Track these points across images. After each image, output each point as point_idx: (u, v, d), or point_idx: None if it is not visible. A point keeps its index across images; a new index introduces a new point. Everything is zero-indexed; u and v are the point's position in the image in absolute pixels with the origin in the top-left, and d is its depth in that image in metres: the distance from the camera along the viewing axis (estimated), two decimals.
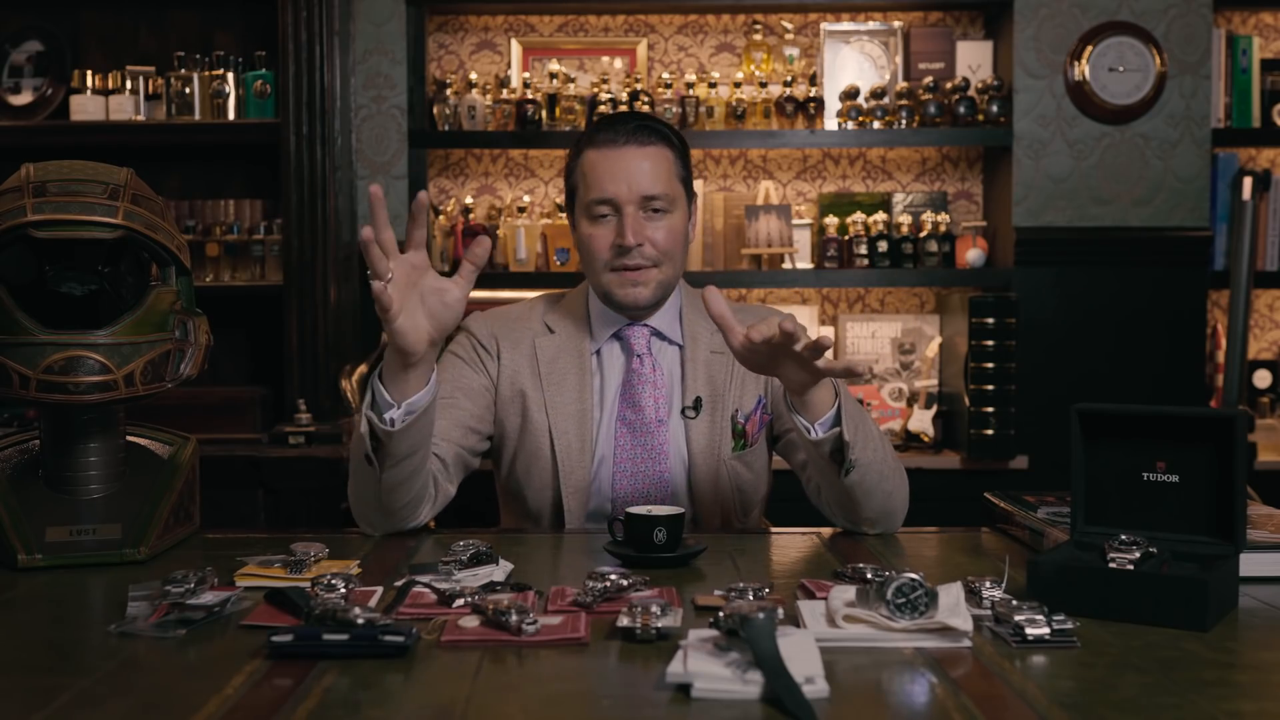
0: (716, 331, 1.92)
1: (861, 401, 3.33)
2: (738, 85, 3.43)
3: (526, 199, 3.48)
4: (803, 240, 3.48)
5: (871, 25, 3.52)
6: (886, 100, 3.39)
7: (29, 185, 1.47)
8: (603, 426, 1.87)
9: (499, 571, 1.41)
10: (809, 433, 1.61)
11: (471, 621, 1.20)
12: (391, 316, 1.52)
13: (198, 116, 3.31)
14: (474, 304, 3.42)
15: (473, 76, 3.44)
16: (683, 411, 1.88)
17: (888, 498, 1.69)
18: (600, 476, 1.86)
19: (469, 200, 3.51)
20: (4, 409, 3.09)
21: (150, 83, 3.35)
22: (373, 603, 1.30)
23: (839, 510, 1.71)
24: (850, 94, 3.39)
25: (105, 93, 3.33)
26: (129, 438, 1.63)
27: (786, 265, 3.43)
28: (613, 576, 1.30)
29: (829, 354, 1.53)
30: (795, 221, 3.46)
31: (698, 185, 3.49)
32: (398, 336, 1.54)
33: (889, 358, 3.51)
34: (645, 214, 1.83)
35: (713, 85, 3.38)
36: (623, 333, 1.90)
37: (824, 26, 3.50)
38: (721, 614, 1.07)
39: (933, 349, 3.45)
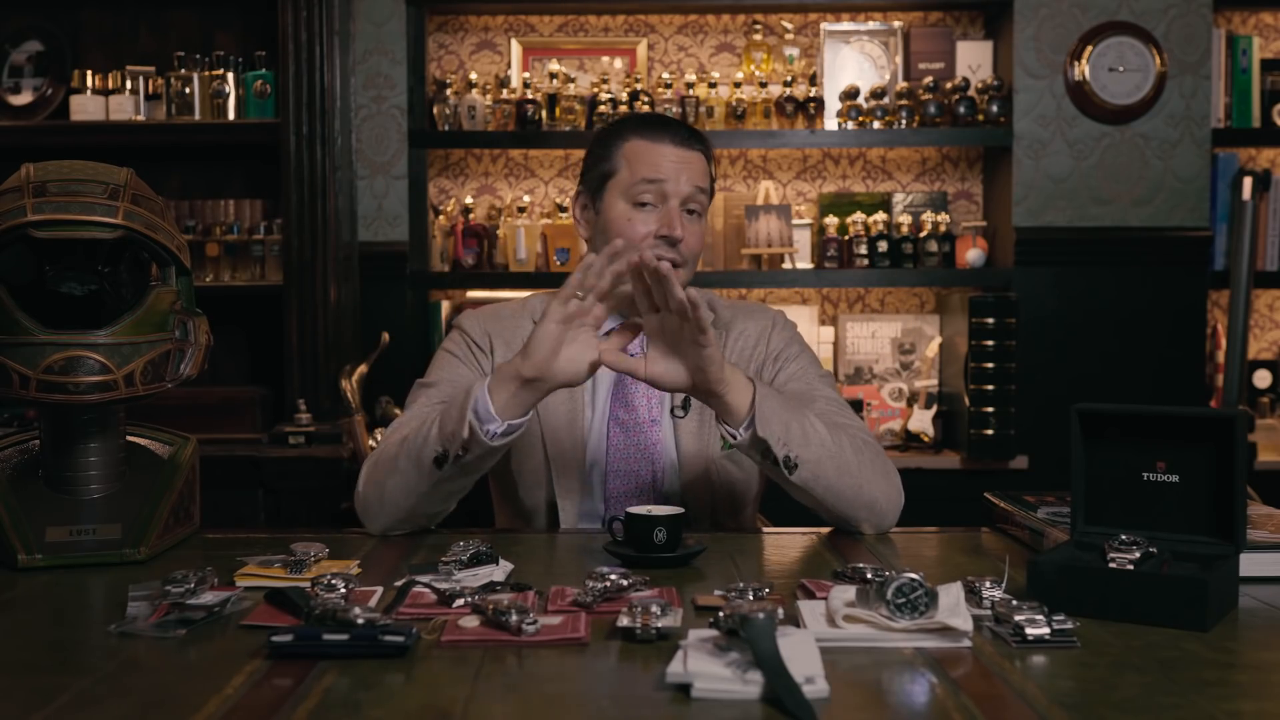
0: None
1: (862, 402, 3.34)
2: (738, 85, 3.43)
3: (526, 199, 3.49)
4: (803, 240, 3.48)
5: (871, 25, 3.52)
6: (886, 100, 3.39)
7: (29, 185, 1.47)
8: (594, 426, 1.87)
9: (499, 571, 1.41)
10: (734, 438, 1.63)
11: (471, 621, 1.20)
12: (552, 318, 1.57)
13: (198, 116, 3.31)
14: (473, 304, 3.42)
15: (473, 76, 3.44)
16: (671, 411, 1.87)
17: (858, 491, 1.67)
18: (592, 477, 1.86)
19: (469, 200, 3.51)
20: (4, 409, 3.09)
21: (150, 83, 3.35)
22: (373, 603, 1.30)
23: (820, 512, 1.71)
24: (850, 94, 3.39)
25: (105, 93, 3.32)
26: (129, 438, 1.63)
27: (786, 265, 3.43)
28: (613, 576, 1.30)
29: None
30: (795, 221, 3.46)
31: None
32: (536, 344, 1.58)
33: (889, 358, 3.51)
34: (682, 212, 1.83)
35: (713, 85, 3.38)
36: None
37: (824, 26, 3.50)
38: (721, 614, 1.07)
39: (933, 349, 3.45)
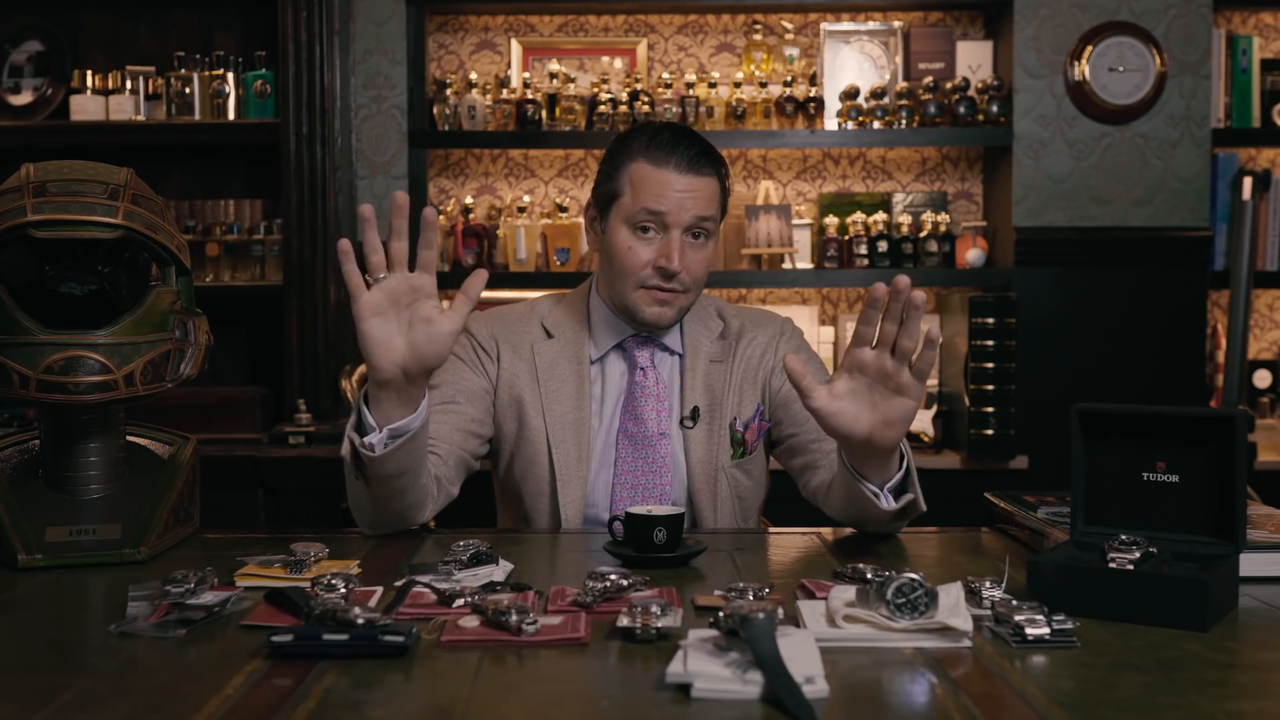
0: (716, 340, 1.92)
1: None
2: (738, 85, 3.43)
3: (526, 199, 3.49)
4: (803, 240, 3.48)
5: (871, 25, 3.52)
6: (886, 100, 3.39)
7: (29, 185, 1.47)
8: (600, 437, 1.86)
9: (499, 571, 1.41)
10: (879, 500, 1.55)
11: (471, 621, 1.20)
12: (363, 315, 1.49)
13: (198, 116, 3.31)
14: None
15: (473, 76, 3.44)
16: (681, 422, 1.87)
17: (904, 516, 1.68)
18: (598, 487, 1.85)
19: (469, 200, 3.51)
20: (4, 409, 3.09)
21: (150, 83, 3.35)
22: (373, 603, 1.30)
23: (851, 521, 1.69)
24: (850, 94, 3.39)
25: (105, 93, 3.33)
26: (129, 438, 1.63)
27: (786, 265, 3.43)
28: (613, 576, 1.30)
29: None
30: (795, 221, 3.46)
31: None
32: (365, 344, 1.50)
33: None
34: (687, 238, 1.81)
35: (713, 85, 3.38)
36: (625, 344, 1.89)
37: (824, 26, 3.50)
38: (721, 614, 1.07)
39: None
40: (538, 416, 1.85)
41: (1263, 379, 3.56)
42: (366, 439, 1.54)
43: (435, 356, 1.51)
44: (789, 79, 3.44)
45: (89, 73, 3.32)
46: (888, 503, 1.56)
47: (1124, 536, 1.31)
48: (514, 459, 1.87)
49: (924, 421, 3.34)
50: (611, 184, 1.84)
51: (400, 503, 1.62)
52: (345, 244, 1.51)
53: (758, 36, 3.51)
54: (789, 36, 3.54)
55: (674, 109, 3.37)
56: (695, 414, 1.86)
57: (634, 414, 1.85)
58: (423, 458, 1.60)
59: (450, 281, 3.45)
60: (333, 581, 1.26)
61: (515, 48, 3.58)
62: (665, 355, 1.91)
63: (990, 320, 3.19)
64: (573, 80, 3.43)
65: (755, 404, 1.88)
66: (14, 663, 1.14)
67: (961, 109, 3.35)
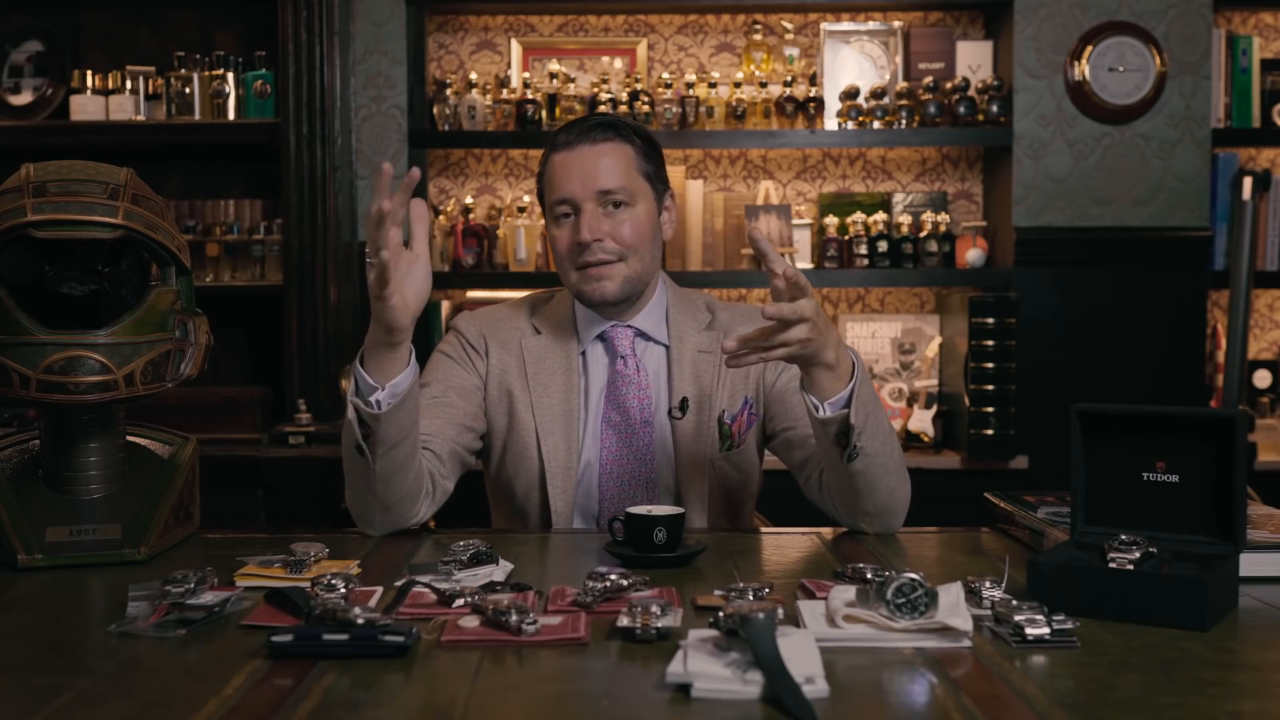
0: (703, 331, 1.93)
1: None
2: (738, 85, 3.43)
3: (526, 199, 3.49)
4: (803, 240, 3.48)
5: (871, 25, 3.52)
6: (886, 100, 3.39)
7: (29, 185, 1.47)
8: (588, 428, 1.87)
9: (499, 571, 1.41)
10: (816, 410, 1.60)
11: (471, 621, 1.20)
12: (388, 294, 1.53)
13: (198, 116, 3.31)
14: (473, 304, 3.42)
15: (473, 76, 3.44)
16: (669, 412, 1.88)
17: (889, 494, 1.68)
18: (587, 478, 1.86)
19: (469, 200, 3.51)
20: (4, 409, 3.09)
21: (150, 83, 3.35)
22: (373, 603, 1.30)
23: (838, 500, 1.71)
24: (850, 94, 3.39)
25: (105, 93, 3.32)
26: (129, 438, 1.63)
27: None
28: (613, 576, 1.30)
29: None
30: (795, 221, 3.46)
31: (697, 185, 3.49)
32: (389, 314, 1.55)
33: (889, 358, 3.51)
34: (605, 209, 1.83)
35: (713, 85, 3.38)
36: (606, 334, 1.90)
37: (824, 26, 3.50)
38: (721, 614, 1.07)
39: (933, 349, 3.45)
40: (527, 410, 1.87)
41: (1263, 379, 3.56)
42: (372, 397, 1.57)
43: (428, 289, 1.61)
44: (789, 79, 3.44)
45: (89, 73, 3.32)
46: (821, 411, 1.60)
47: (1124, 536, 1.31)
48: (505, 454, 1.88)
49: (924, 421, 3.34)
50: (541, 184, 1.92)
51: (402, 482, 1.64)
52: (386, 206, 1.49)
53: (758, 36, 3.51)
54: (789, 36, 3.54)
55: (674, 109, 3.37)
56: (684, 405, 1.87)
57: (616, 403, 1.87)
58: (415, 422, 1.64)
59: (450, 281, 3.46)
60: (333, 581, 1.26)
61: (515, 48, 3.58)
62: (651, 346, 1.92)
63: (990, 320, 3.19)
64: (573, 80, 3.43)
65: (743, 397, 1.88)
66: (14, 663, 1.14)
67: (961, 109, 3.35)
